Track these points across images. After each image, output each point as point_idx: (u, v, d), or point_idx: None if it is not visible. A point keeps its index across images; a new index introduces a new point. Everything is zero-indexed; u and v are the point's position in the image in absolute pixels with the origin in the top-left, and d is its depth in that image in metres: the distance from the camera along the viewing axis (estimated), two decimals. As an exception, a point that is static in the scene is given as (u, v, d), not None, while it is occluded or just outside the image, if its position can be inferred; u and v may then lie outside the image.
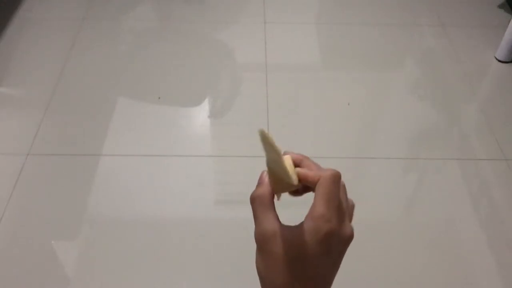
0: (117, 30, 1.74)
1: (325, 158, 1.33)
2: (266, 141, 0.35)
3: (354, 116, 1.46)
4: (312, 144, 1.38)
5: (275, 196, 0.38)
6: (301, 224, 0.35)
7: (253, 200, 0.37)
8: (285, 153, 0.39)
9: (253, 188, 0.38)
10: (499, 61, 1.65)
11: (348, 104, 1.49)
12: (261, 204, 0.37)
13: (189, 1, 1.87)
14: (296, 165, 0.38)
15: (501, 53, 1.63)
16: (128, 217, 1.19)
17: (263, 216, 0.36)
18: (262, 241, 0.36)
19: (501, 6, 1.89)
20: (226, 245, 1.14)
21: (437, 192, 1.27)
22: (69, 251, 1.13)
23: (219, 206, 1.22)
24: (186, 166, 1.31)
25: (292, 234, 0.35)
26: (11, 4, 1.80)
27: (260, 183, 0.38)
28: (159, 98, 1.48)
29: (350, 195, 0.40)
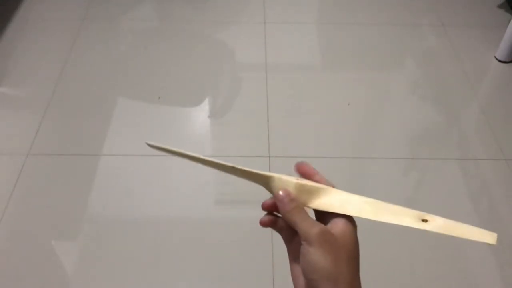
0: (117, 30, 1.74)
1: (325, 158, 1.33)
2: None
3: (354, 116, 1.46)
4: (312, 144, 1.38)
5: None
6: (335, 225, 0.38)
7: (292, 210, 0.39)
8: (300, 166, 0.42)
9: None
10: (499, 61, 1.65)
11: (348, 104, 1.49)
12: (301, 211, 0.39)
13: (189, 1, 1.87)
14: (308, 177, 0.41)
15: (501, 53, 1.63)
16: (128, 217, 1.19)
17: (309, 219, 0.38)
18: (325, 238, 0.37)
19: (501, 6, 1.89)
20: (226, 245, 1.14)
21: (437, 192, 1.27)
22: (69, 250, 1.13)
23: (219, 206, 1.22)
24: (186, 166, 1.31)
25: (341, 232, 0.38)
26: (11, 4, 1.80)
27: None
28: (159, 98, 1.48)
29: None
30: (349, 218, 0.38)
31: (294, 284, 0.40)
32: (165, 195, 1.24)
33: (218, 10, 1.83)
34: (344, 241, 0.37)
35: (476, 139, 1.40)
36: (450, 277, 1.11)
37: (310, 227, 0.36)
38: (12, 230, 1.15)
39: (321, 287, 0.35)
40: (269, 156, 1.30)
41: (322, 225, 0.37)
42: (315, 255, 0.35)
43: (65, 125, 1.40)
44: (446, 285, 1.10)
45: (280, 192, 0.39)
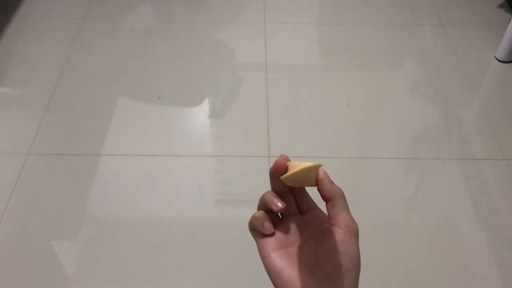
0: (117, 30, 1.74)
1: (325, 158, 1.33)
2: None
3: (354, 116, 1.46)
4: (312, 144, 1.38)
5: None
6: (336, 229, 0.39)
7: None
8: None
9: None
10: (499, 61, 1.65)
11: (348, 104, 1.49)
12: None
13: (189, 1, 1.87)
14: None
15: (501, 53, 1.63)
16: (128, 217, 1.19)
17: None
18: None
19: (501, 6, 1.89)
20: (226, 245, 1.14)
21: (437, 192, 1.27)
22: (69, 251, 1.13)
23: (219, 206, 1.22)
24: (186, 166, 1.31)
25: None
26: (11, 4, 1.80)
27: None
28: (159, 98, 1.49)
29: (350, 195, 0.42)
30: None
31: (276, 274, 0.41)
32: (165, 195, 1.24)
33: (218, 10, 1.83)
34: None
35: (476, 139, 1.40)
36: (449, 276, 1.11)
37: (352, 218, 0.40)
38: (12, 230, 1.15)
39: (351, 274, 0.38)
40: (269, 156, 1.30)
41: None
42: (356, 245, 0.39)
43: (65, 125, 1.40)
44: (446, 285, 1.10)
45: (321, 174, 0.40)
